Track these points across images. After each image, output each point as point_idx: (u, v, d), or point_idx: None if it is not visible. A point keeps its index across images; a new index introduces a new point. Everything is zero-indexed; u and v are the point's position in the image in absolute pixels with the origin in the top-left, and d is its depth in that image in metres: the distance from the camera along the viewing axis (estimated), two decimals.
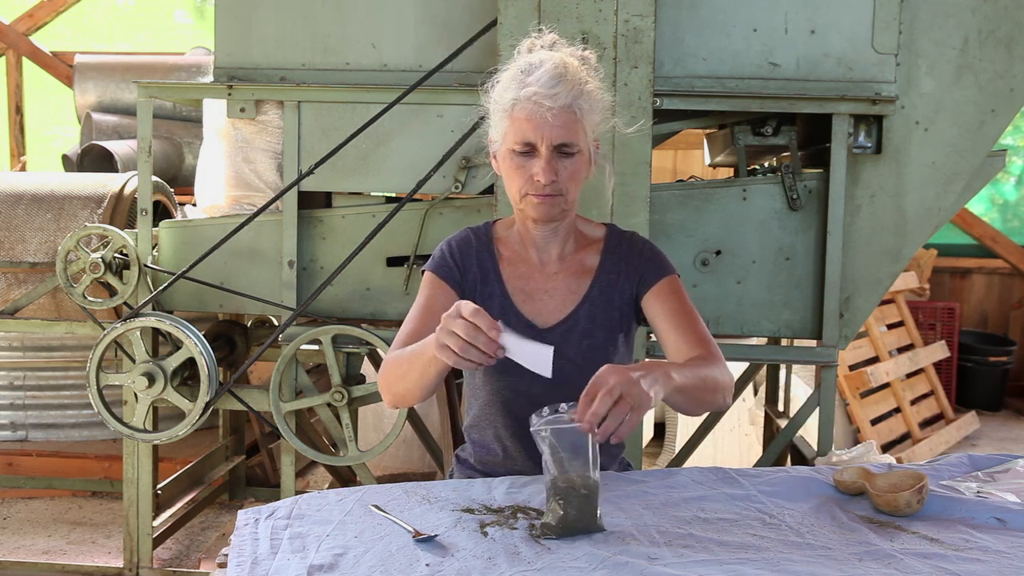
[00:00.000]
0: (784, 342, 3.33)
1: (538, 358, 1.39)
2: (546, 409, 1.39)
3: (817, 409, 2.72)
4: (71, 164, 4.91)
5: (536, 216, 1.71)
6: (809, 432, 3.11)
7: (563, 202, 1.69)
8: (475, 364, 1.40)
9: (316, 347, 2.87)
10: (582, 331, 1.76)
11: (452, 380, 2.09)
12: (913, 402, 4.98)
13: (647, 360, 1.50)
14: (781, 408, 3.65)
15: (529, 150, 1.65)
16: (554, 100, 1.61)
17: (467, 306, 1.40)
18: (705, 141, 3.39)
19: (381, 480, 3.59)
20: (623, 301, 1.79)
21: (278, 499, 1.58)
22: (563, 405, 1.40)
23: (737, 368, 3.52)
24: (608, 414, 1.34)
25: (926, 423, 5.06)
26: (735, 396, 3.46)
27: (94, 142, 4.69)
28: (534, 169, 1.65)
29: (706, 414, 3.53)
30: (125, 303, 2.80)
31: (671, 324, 1.73)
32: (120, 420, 2.77)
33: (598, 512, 1.39)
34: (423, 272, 1.81)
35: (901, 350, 5.11)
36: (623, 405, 1.34)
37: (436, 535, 1.35)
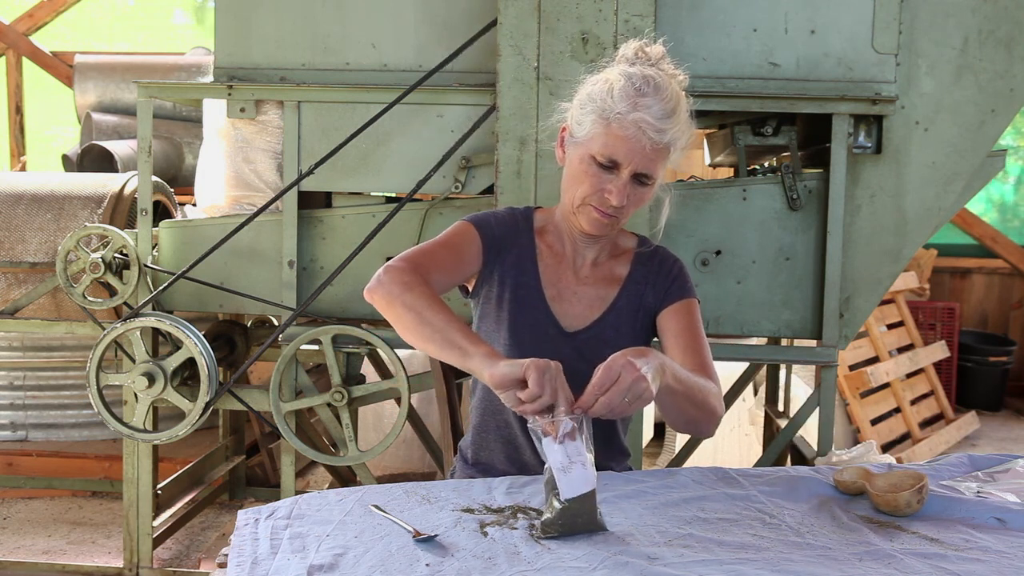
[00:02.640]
0: (784, 342, 3.33)
1: (566, 475, 1.36)
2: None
3: (817, 409, 2.72)
4: (71, 164, 4.91)
5: (587, 229, 1.71)
6: (809, 432, 3.11)
7: (617, 223, 1.70)
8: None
9: (316, 347, 2.86)
10: (606, 339, 1.76)
11: (452, 380, 2.09)
12: (913, 402, 4.98)
13: (648, 348, 1.49)
14: (781, 408, 3.65)
15: (611, 166, 1.63)
16: (659, 136, 1.59)
17: (564, 387, 1.39)
18: (705, 141, 3.38)
19: (381, 480, 3.59)
20: (646, 312, 1.79)
21: (278, 499, 1.58)
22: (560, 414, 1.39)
23: (737, 368, 3.53)
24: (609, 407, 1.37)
25: (926, 423, 5.06)
26: (735, 396, 3.46)
27: (94, 142, 4.70)
28: (608, 186, 1.64)
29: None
30: (125, 303, 2.80)
31: (678, 343, 1.73)
32: (120, 420, 2.77)
33: (598, 510, 1.38)
34: (462, 220, 1.79)
35: (901, 350, 5.11)
36: (626, 406, 1.37)
37: (436, 535, 1.35)
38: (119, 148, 4.60)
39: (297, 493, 2.62)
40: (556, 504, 1.36)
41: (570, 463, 1.36)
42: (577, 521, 1.37)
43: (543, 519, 1.38)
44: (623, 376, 1.37)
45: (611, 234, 1.76)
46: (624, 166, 1.62)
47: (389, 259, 2.74)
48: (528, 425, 1.39)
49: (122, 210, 3.28)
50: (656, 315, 1.79)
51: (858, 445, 2.76)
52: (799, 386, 3.97)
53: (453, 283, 1.76)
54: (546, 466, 1.38)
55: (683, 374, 1.53)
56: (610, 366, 1.38)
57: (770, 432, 3.65)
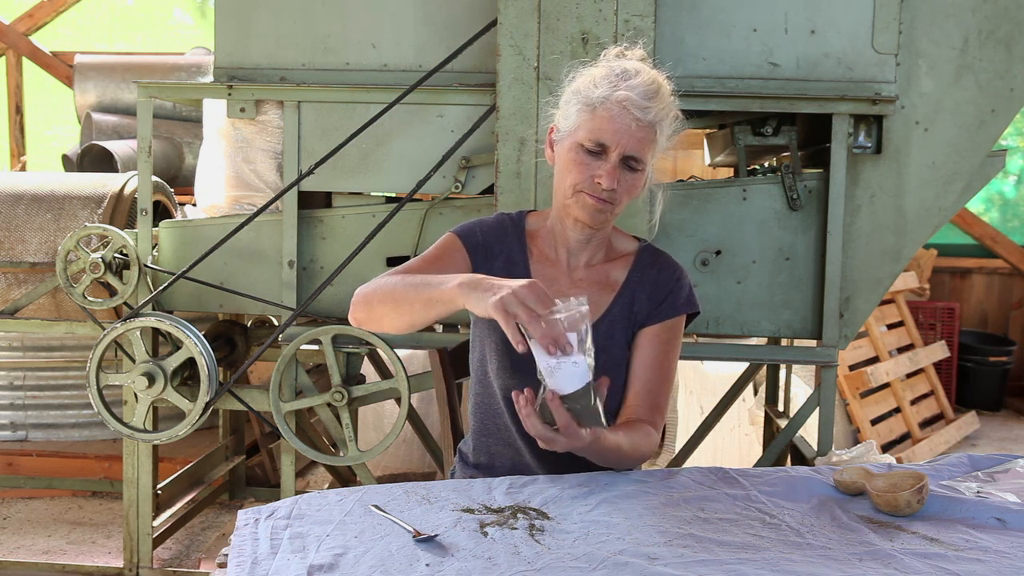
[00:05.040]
0: (784, 342, 3.33)
1: (554, 375, 1.40)
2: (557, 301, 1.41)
3: (817, 409, 2.72)
4: (71, 164, 4.91)
5: (582, 217, 1.69)
6: (809, 432, 3.11)
7: (611, 212, 1.68)
8: (523, 341, 1.39)
9: (316, 347, 2.86)
10: (599, 347, 1.72)
11: (452, 380, 2.09)
12: (913, 402, 4.98)
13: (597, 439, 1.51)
14: (781, 408, 3.65)
15: (599, 151, 1.63)
16: (644, 113, 1.60)
17: (549, 299, 1.40)
18: (705, 141, 3.38)
19: (381, 480, 3.59)
20: (635, 321, 1.77)
21: (278, 499, 1.58)
22: (558, 302, 1.40)
23: (737, 368, 3.52)
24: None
25: (926, 423, 5.06)
26: (735, 396, 3.46)
27: (94, 142, 4.70)
28: (597, 171, 1.64)
29: (705, 415, 3.54)
30: (125, 303, 2.80)
31: (642, 375, 1.74)
32: (120, 420, 2.77)
33: (597, 408, 1.42)
34: (448, 232, 1.80)
35: (901, 350, 5.11)
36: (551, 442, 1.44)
37: (436, 535, 1.35)
38: (119, 148, 4.60)
39: (297, 493, 2.62)
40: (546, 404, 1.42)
41: (558, 362, 1.38)
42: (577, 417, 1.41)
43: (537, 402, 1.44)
44: (557, 443, 1.44)
45: (605, 226, 1.74)
46: (612, 148, 1.62)
47: (389, 259, 2.76)
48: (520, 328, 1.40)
49: (122, 210, 3.28)
50: (641, 326, 1.77)
51: (858, 445, 2.76)
52: (799, 386, 3.97)
53: None
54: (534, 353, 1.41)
55: (609, 446, 1.56)
56: (569, 436, 1.43)
57: (770, 432, 3.65)
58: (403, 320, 1.59)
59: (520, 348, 1.38)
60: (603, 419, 1.45)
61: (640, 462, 1.67)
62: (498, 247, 1.78)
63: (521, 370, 1.72)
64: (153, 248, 2.82)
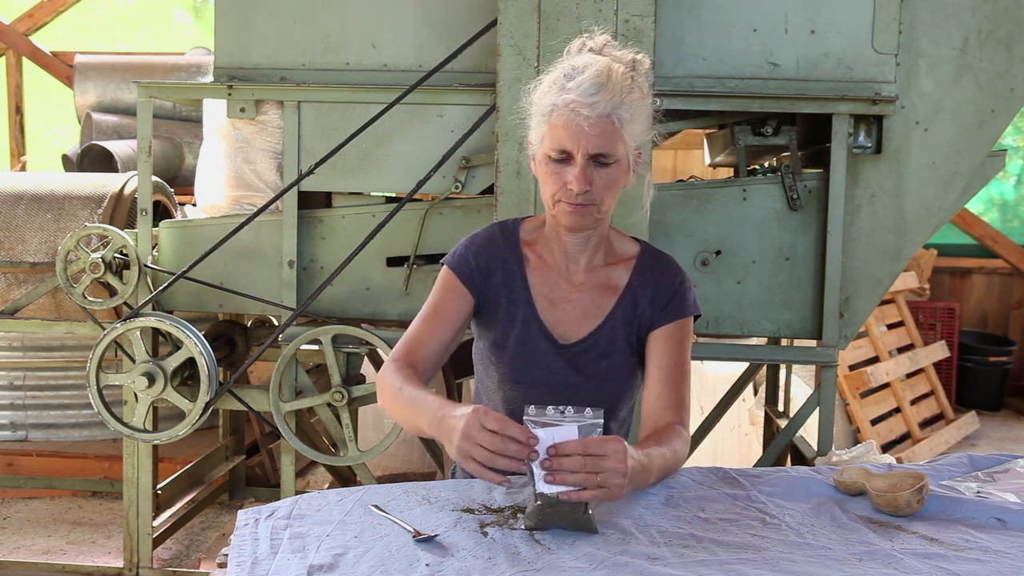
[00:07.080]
0: (784, 342, 3.33)
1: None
2: (550, 409, 1.38)
3: (817, 409, 2.72)
4: (71, 164, 4.91)
5: (567, 224, 1.68)
6: (809, 432, 3.11)
7: (596, 211, 1.67)
8: (502, 477, 1.38)
9: (316, 347, 2.86)
10: (602, 351, 1.74)
11: (452, 380, 2.09)
12: (913, 402, 4.98)
13: (645, 459, 1.47)
14: (781, 408, 3.65)
15: (565, 157, 1.62)
16: (592, 109, 1.58)
17: (493, 419, 1.37)
18: (705, 141, 3.39)
19: (381, 480, 3.59)
20: (640, 325, 1.76)
21: (278, 499, 1.58)
22: (569, 409, 1.38)
23: (737, 368, 3.52)
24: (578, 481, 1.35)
25: (926, 423, 5.06)
26: (735, 396, 3.47)
27: (94, 142, 4.69)
28: (568, 177, 1.62)
29: (705, 415, 3.54)
30: (125, 303, 2.80)
31: (660, 375, 1.73)
32: (120, 420, 2.77)
33: (587, 513, 1.37)
34: (442, 264, 1.79)
35: (901, 350, 5.11)
36: (597, 490, 1.35)
37: (436, 535, 1.35)
38: (119, 148, 4.60)
39: (297, 493, 2.62)
40: (534, 499, 1.37)
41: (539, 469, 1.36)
42: (554, 518, 1.36)
43: (526, 510, 1.39)
44: (610, 458, 1.35)
45: (595, 227, 1.72)
46: (575, 152, 1.61)
47: (389, 259, 2.74)
48: (524, 417, 1.39)
49: (122, 210, 3.28)
50: (649, 330, 1.76)
51: (858, 445, 2.75)
52: (799, 386, 3.97)
53: (456, 337, 1.77)
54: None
55: (663, 469, 1.54)
56: (605, 439, 1.37)
57: (770, 432, 3.65)
58: (411, 431, 1.65)
59: (505, 484, 1.41)
60: (594, 525, 1.38)
61: (679, 467, 1.65)
62: (494, 263, 1.77)
63: (522, 382, 1.73)
64: (153, 248, 2.82)
